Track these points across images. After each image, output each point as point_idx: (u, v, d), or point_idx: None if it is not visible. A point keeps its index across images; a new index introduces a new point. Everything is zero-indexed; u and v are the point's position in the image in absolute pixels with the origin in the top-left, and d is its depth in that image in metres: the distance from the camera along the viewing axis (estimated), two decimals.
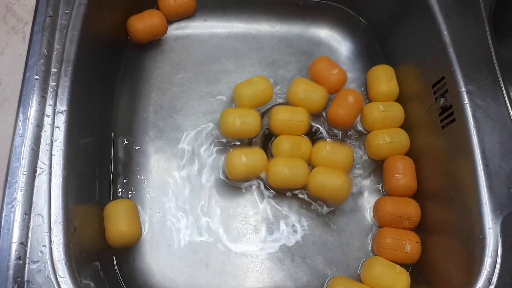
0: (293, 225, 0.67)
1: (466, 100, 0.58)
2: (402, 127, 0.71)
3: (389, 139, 0.68)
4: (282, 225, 0.67)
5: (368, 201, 0.69)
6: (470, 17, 0.64)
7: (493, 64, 0.61)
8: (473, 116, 0.58)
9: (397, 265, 0.61)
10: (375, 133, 0.69)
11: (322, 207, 0.67)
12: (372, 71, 0.74)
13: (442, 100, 0.62)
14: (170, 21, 0.77)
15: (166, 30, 0.75)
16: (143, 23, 0.72)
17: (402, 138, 0.69)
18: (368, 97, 0.74)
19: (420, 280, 0.61)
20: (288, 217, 0.67)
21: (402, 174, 0.66)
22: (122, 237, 0.59)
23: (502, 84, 0.60)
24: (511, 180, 0.55)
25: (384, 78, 0.71)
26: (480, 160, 0.55)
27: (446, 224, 0.60)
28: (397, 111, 0.70)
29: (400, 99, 0.72)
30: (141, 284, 0.61)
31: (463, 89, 0.59)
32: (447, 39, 0.62)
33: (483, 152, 0.56)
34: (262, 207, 0.68)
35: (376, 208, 0.67)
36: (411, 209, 0.64)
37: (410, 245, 0.62)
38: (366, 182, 0.71)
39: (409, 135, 0.69)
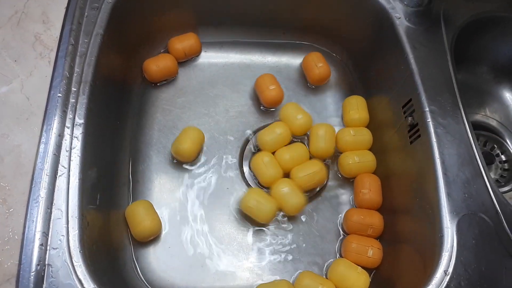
0: (282, 230, 0.74)
1: (429, 118, 0.66)
2: (377, 147, 0.78)
3: (358, 159, 0.76)
4: (272, 230, 0.74)
5: (340, 212, 0.76)
6: (434, 48, 0.72)
7: (453, 88, 0.69)
8: (435, 132, 0.65)
9: (359, 267, 0.67)
10: (346, 154, 0.77)
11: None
12: (346, 101, 0.82)
13: (410, 118, 0.69)
14: (179, 62, 0.84)
15: (177, 71, 0.84)
16: (157, 66, 0.80)
17: (369, 159, 0.77)
18: (343, 123, 0.83)
19: (385, 284, 0.68)
20: (278, 223, 0.74)
21: (368, 189, 0.73)
22: (148, 231, 0.68)
23: (460, 105, 0.67)
24: (466, 187, 0.61)
25: (355, 107, 0.80)
26: (440, 170, 0.62)
27: (412, 228, 0.66)
28: (365, 136, 0.78)
29: (375, 120, 0.80)
30: (143, 280, 0.68)
31: (427, 109, 0.66)
32: (414, 66, 0.70)
33: (443, 162, 0.63)
34: None
35: (345, 218, 0.74)
36: (375, 220, 0.71)
37: (372, 251, 0.69)
38: (340, 196, 0.78)
39: (383, 156, 0.77)
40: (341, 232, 0.75)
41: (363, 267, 0.68)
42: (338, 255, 0.73)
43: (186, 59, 0.86)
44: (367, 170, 0.77)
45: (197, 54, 0.86)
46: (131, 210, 0.68)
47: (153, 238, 0.70)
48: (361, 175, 0.76)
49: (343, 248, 0.71)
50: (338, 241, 0.74)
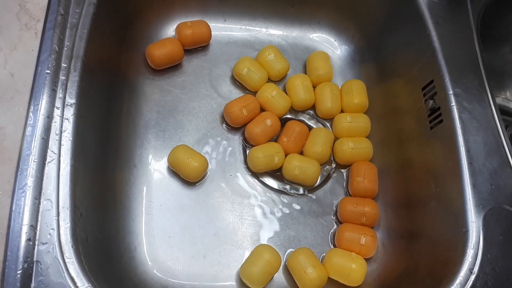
0: (282, 219, 0.71)
1: (453, 102, 0.62)
2: (389, 134, 0.75)
3: (353, 145, 0.74)
4: (273, 220, 0.70)
5: (336, 201, 0.73)
6: (459, 24, 0.68)
7: (479, 69, 0.64)
8: (460, 117, 0.61)
9: (353, 253, 0.65)
10: (341, 140, 0.76)
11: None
12: (343, 86, 0.79)
13: (431, 102, 0.65)
14: (186, 49, 0.78)
15: (183, 57, 0.77)
16: (160, 51, 0.73)
17: (364, 146, 0.74)
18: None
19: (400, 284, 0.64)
20: (279, 213, 0.71)
21: (363, 177, 0.71)
22: (198, 170, 0.68)
23: (487, 88, 0.63)
24: (494, 178, 0.58)
25: (351, 92, 0.77)
26: (465, 159, 0.58)
27: (430, 223, 0.63)
28: (362, 123, 0.76)
29: (388, 105, 0.76)
30: (142, 271, 0.63)
31: (451, 91, 0.62)
32: (436, 44, 0.66)
33: (468, 151, 0.59)
34: (256, 203, 0.71)
35: (339, 207, 0.72)
36: (368, 208, 0.69)
37: (365, 238, 0.67)
38: (334, 184, 0.75)
39: (396, 144, 0.73)
40: (336, 221, 0.72)
41: None
42: (331, 245, 0.70)
43: (194, 47, 0.80)
44: (363, 157, 0.75)
45: (205, 43, 0.80)
46: (174, 156, 0.68)
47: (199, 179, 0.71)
48: (357, 163, 0.74)
49: (336, 237, 0.70)
50: (331, 231, 0.72)
